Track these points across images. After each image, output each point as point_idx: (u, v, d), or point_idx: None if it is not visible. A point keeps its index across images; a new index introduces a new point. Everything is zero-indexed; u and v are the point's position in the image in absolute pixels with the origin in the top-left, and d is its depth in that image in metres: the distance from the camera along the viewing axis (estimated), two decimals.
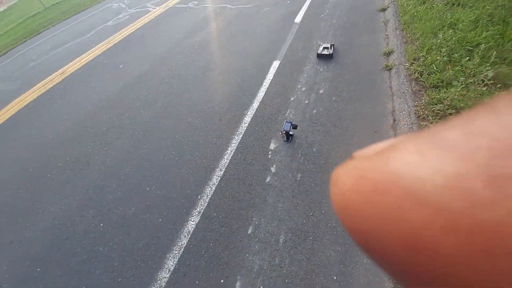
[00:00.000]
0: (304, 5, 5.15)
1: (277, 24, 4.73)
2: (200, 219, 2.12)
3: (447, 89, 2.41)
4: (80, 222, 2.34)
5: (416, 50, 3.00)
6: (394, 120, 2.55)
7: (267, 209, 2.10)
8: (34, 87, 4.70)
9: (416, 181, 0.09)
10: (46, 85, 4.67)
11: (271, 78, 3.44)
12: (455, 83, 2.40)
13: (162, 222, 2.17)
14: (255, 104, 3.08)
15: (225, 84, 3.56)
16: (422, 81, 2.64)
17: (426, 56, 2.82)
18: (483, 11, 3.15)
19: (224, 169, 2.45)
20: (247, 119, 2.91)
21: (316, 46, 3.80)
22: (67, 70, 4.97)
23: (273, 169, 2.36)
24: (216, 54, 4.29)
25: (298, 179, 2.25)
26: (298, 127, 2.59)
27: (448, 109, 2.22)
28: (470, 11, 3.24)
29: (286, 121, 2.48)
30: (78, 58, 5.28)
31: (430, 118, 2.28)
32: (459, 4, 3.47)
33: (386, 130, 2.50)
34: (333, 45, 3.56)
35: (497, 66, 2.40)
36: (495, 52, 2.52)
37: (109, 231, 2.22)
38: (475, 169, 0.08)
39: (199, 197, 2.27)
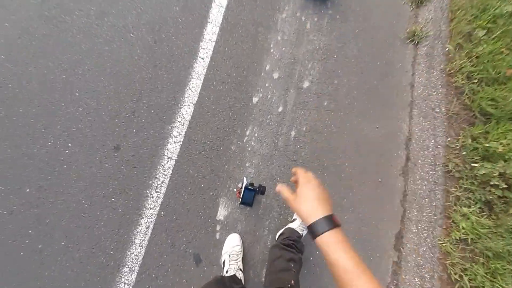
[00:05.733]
0: None
1: None
2: None
3: None
4: None
5: (470, 10, 1.67)
6: (408, 159, 1.66)
7: None
8: None
9: None
10: None
11: (215, 38, 1.73)
12: None
13: None
14: (184, 122, 1.59)
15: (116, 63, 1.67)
16: (468, 97, 1.59)
17: (484, 37, 1.60)
18: None
19: None
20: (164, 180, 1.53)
21: None
22: None
23: None
24: None
25: None
26: (265, 186, 1.44)
27: (503, 189, 1.34)
28: None
29: (246, 187, 1.31)
30: None
31: (470, 200, 1.43)
32: None
33: (394, 177, 1.64)
34: None
35: None
36: None
37: None
38: None
39: None
